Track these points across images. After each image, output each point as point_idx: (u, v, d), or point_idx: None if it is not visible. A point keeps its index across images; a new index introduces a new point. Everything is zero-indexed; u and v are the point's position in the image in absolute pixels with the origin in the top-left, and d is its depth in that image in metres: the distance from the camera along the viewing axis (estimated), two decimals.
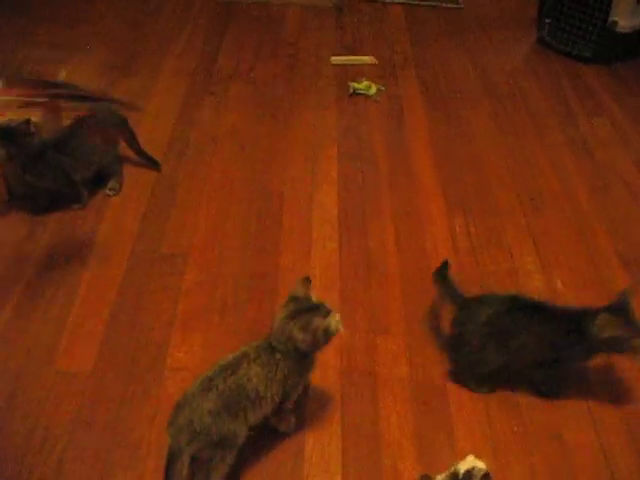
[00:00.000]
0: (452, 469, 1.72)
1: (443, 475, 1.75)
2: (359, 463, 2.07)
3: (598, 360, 2.25)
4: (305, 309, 1.93)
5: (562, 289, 2.64)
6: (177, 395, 2.15)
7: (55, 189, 2.87)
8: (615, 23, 3.90)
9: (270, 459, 2.07)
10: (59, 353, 2.35)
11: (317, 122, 3.52)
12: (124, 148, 3.10)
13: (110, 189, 2.99)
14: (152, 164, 3.12)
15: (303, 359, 1.96)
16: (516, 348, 2.14)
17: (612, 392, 2.30)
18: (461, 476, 1.68)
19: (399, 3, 4.67)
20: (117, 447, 2.09)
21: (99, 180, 3.01)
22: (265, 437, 2.09)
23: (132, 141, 3.08)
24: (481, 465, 1.69)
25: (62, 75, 3.23)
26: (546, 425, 2.19)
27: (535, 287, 2.63)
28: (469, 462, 1.71)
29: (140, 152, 3.11)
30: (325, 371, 2.28)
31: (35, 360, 2.32)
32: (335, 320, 1.93)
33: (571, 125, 3.57)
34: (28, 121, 2.60)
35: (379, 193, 3.06)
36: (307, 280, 1.98)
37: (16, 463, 2.04)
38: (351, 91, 3.71)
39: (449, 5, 4.69)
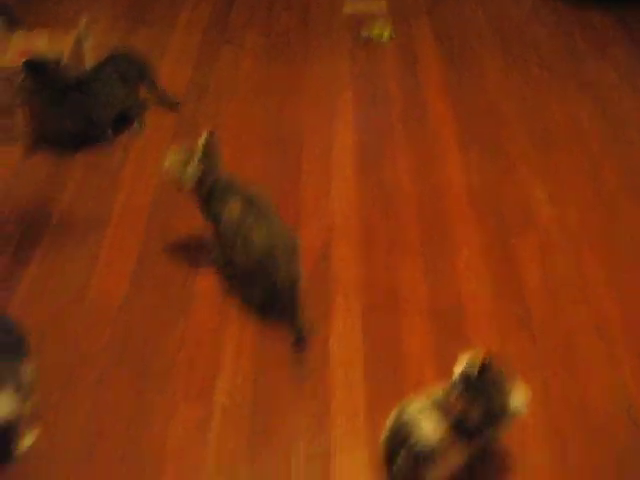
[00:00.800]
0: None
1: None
2: (382, 381, 2.18)
3: None
4: None
5: (573, 222, 2.72)
6: (205, 323, 2.27)
7: (76, 130, 2.95)
8: None
9: (297, 377, 2.19)
10: (91, 287, 2.46)
11: (331, 69, 3.59)
12: (145, 91, 3.20)
13: (133, 130, 3.07)
14: (172, 106, 3.20)
15: None
16: None
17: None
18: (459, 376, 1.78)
19: None
20: (149, 372, 2.21)
21: (123, 122, 3.09)
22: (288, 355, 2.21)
23: (151, 84, 3.16)
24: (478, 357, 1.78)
25: (82, 23, 3.28)
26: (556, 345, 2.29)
27: (546, 220, 2.72)
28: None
29: (160, 94, 3.19)
30: (346, 294, 2.38)
31: (69, 294, 2.43)
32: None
33: (580, 70, 3.61)
34: (59, 59, 2.68)
35: (394, 132, 3.15)
36: None
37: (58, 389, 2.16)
38: (364, 36, 3.78)
39: None
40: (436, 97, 3.38)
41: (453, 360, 2.14)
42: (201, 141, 2.25)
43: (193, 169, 2.26)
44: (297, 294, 2.23)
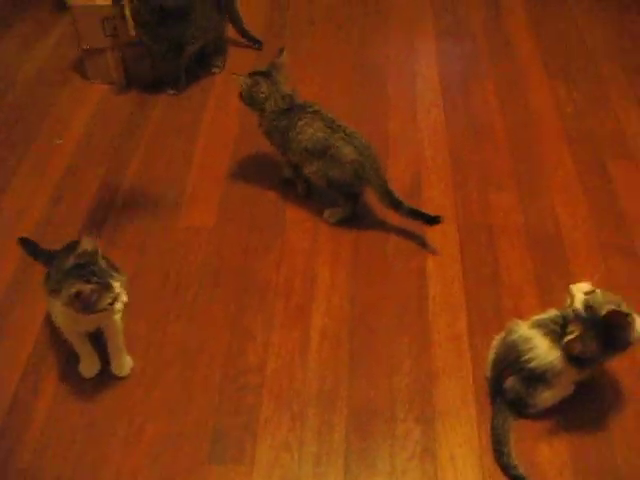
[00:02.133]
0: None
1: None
2: (482, 303, 2.14)
3: None
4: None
5: None
6: (299, 244, 2.26)
7: (162, 54, 2.89)
8: None
9: (396, 298, 2.16)
10: (182, 211, 2.47)
11: (410, 2, 3.49)
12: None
13: (215, 66, 3.05)
14: (255, 43, 3.17)
15: None
16: None
17: None
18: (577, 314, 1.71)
19: None
20: (246, 292, 2.21)
21: (201, 61, 3.07)
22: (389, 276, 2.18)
23: (236, 19, 3.12)
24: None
25: None
26: None
27: None
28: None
29: (243, 31, 3.15)
30: (443, 226, 2.33)
31: (161, 219, 2.45)
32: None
33: None
34: None
35: (479, 64, 3.08)
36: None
37: (154, 304, 2.17)
38: None
39: None
40: (521, 29, 3.29)
41: (553, 289, 2.14)
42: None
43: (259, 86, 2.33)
44: (392, 191, 2.27)
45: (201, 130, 2.79)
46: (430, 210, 2.33)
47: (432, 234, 2.33)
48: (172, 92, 2.97)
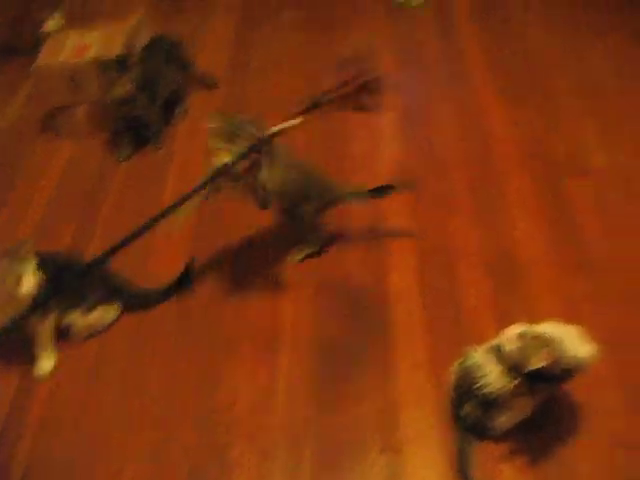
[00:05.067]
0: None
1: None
2: (443, 329, 2.20)
3: None
4: None
5: (626, 163, 2.69)
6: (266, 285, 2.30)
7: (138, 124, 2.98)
8: None
9: (360, 330, 2.22)
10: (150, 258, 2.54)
11: (368, 35, 3.58)
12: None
13: (177, 115, 3.12)
14: (210, 86, 3.27)
15: None
16: None
17: None
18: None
19: None
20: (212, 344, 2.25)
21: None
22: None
23: (187, 64, 3.20)
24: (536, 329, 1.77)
25: (137, 16, 3.31)
26: (618, 285, 2.27)
27: (599, 162, 2.70)
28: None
29: (197, 75, 3.25)
30: (402, 253, 2.41)
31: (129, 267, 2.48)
32: None
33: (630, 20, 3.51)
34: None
35: (437, 93, 3.15)
36: None
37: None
38: (398, 2, 3.77)
39: None
40: (476, 57, 3.34)
41: (512, 309, 2.19)
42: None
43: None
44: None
45: (170, 175, 2.86)
46: (391, 239, 2.44)
47: (392, 263, 2.39)
48: (156, 147, 3.02)
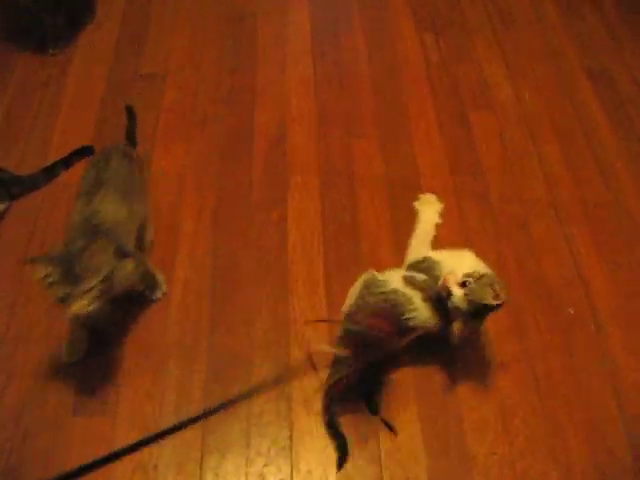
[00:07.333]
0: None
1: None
2: (340, 250, 2.22)
3: None
4: None
5: (529, 99, 2.74)
6: (163, 197, 2.29)
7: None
8: None
9: (257, 249, 2.23)
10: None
11: None
12: None
13: (53, 49, 2.92)
14: None
15: None
16: None
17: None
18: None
19: None
20: None
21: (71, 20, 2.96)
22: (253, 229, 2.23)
23: None
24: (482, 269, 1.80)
25: None
26: (512, 216, 2.35)
27: (504, 96, 2.73)
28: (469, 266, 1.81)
29: None
30: (305, 174, 2.41)
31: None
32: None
33: None
34: None
35: (350, 11, 3.08)
36: None
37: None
38: None
39: None
40: None
41: (407, 230, 2.21)
42: None
43: None
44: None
45: (67, 85, 2.73)
46: (295, 158, 2.45)
47: (293, 184, 2.39)
48: (51, 51, 2.83)
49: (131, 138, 2.20)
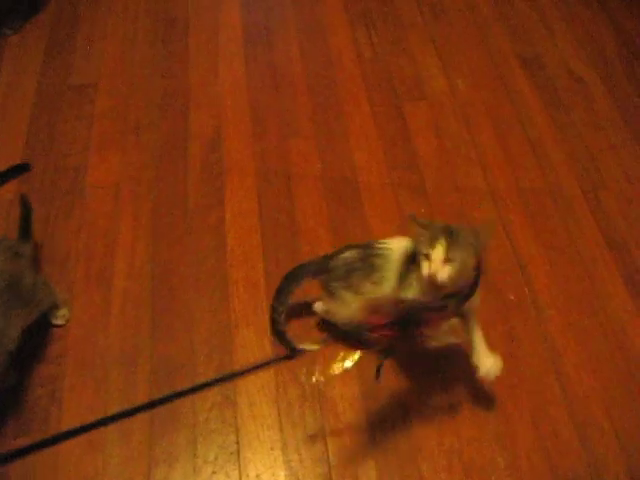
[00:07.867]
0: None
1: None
2: (279, 251, 2.21)
3: None
4: None
5: (463, 89, 2.76)
6: (99, 210, 2.26)
7: None
8: None
9: (195, 254, 2.21)
10: None
11: None
12: None
13: (9, 28, 2.90)
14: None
15: None
16: None
17: None
18: None
19: None
20: (47, 262, 2.18)
21: None
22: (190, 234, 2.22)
23: None
24: None
25: None
26: (447, 206, 2.37)
27: (438, 87, 2.74)
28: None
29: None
30: (242, 176, 2.40)
31: None
32: None
33: None
34: None
35: (282, 10, 3.07)
36: None
37: None
38: None
39: None
40: None
41: (348, 232, 2.23)
42: None
43: None
44: None
45: None
46: (232, 159, 2.43)
47: (231, 185, 2.37)
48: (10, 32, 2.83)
49: (25, 231, 2.03)
